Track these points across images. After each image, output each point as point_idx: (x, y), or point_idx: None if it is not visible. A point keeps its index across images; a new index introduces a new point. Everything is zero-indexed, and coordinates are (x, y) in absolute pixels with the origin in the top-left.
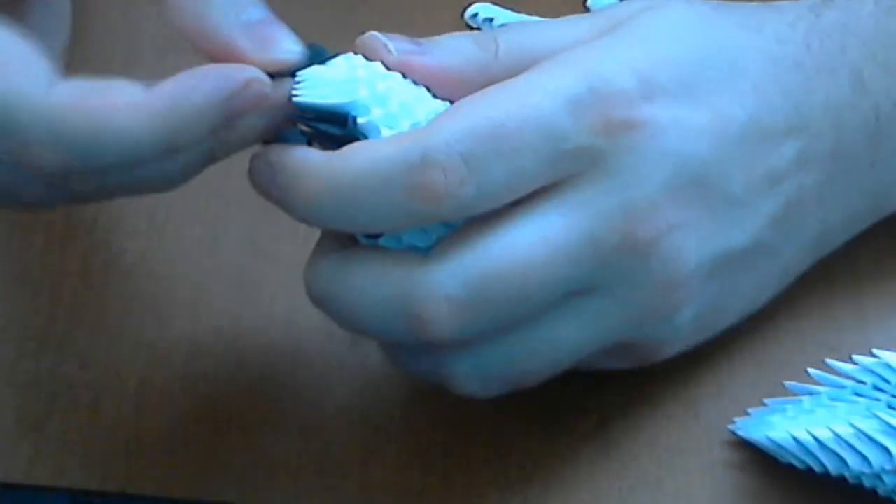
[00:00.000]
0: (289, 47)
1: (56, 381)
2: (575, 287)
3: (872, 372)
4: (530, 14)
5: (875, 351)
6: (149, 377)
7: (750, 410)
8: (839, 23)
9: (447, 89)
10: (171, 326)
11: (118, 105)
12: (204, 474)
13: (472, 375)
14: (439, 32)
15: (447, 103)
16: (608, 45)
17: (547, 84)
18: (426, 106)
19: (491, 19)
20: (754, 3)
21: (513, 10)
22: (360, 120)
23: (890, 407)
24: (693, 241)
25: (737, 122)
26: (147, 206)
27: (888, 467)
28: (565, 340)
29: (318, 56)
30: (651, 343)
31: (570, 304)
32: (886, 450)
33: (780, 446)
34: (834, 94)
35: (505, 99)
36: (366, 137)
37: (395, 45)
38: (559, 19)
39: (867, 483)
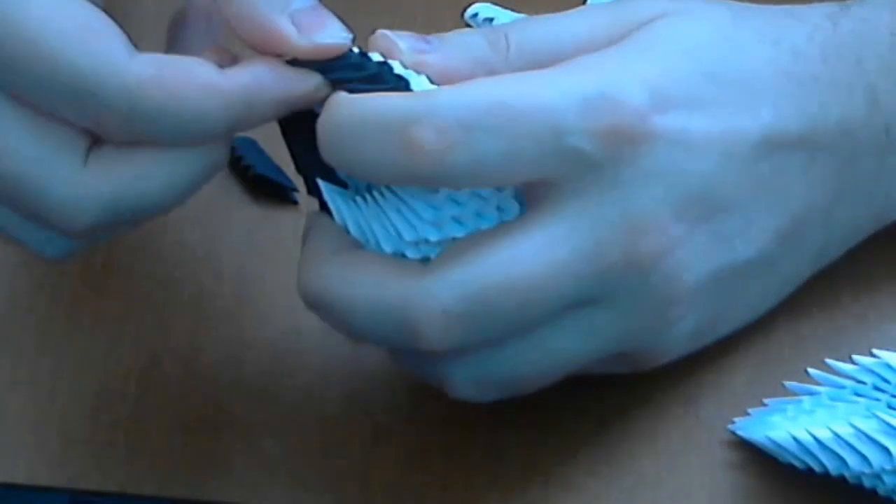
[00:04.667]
0: (337, 33)
1: (56, 380)
2: (574, 300)
3: (872, 372)
4: (530, 14)
5: (875, 351)
6: (149, 377)
7: (750, 410)
8: (856, 33)
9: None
10: (172, 326)
11: (195, 83)
12: (204, 474)
13: (468, 381)
14: (439, 32)
15: None
16: (625, 54)
17: (561, 81)
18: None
19: (491, 19)
20: (774, 8)
21: (513, 10)
22: None
23: (890, 407)
24: (695, 257)
25: (748, 137)
26: None
27: (888, 467)
28: (563, 351)
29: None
30: (649, 352)
31: (568, 315)
32: (886, 450)
33: (780, 446)
34: (848, 111)
35: (517, 84)
36: None
37: (405, 43)
38: (574, 13)
39: (867, 483)
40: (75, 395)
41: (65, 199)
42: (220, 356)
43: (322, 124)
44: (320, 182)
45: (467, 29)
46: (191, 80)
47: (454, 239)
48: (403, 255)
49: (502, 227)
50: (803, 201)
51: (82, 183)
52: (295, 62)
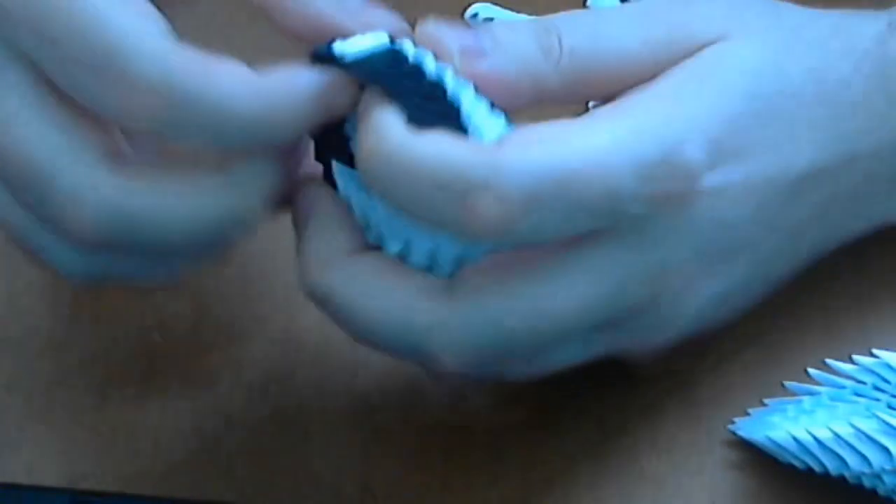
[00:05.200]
0: (391, 19)
1: (56, 380)
2: (589, 328)
3: (872, 372)
4: (530, 14)
5: (875, 351)
6: (149, 377)
7: (750, 410)
8: None
9: (496, 95)
10: (172, 326)
11: (229, 74)
12: (204, 474)
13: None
14: None
15: (502, 117)
16: (684, 97)
17: (623, 143)
18: (480, 108)
19: (491, 19)
20: (826, 30)
21: (513, 10)
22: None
23: (890, 407)
24: (706, 290)
25: (784, 182)
26: None
27: (888, 467)
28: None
29: None
30: (643, 343)
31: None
32: (886, 450)
33: (780, 446)
34: (886, 139)
35: (581, 147)
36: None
37: (456, 43)
38: (627, 16)
39: (867, 483)
40: (75, 394)
41: (74, 194)
42: (220, 356)
43: (371, 154)
44: (337, 166)
45: (517, 21)
46: (224, 68)
47: (464, 258)
48: (406, 257)
49: (527, 263)
50: (816, 228)
51: (95, 182)
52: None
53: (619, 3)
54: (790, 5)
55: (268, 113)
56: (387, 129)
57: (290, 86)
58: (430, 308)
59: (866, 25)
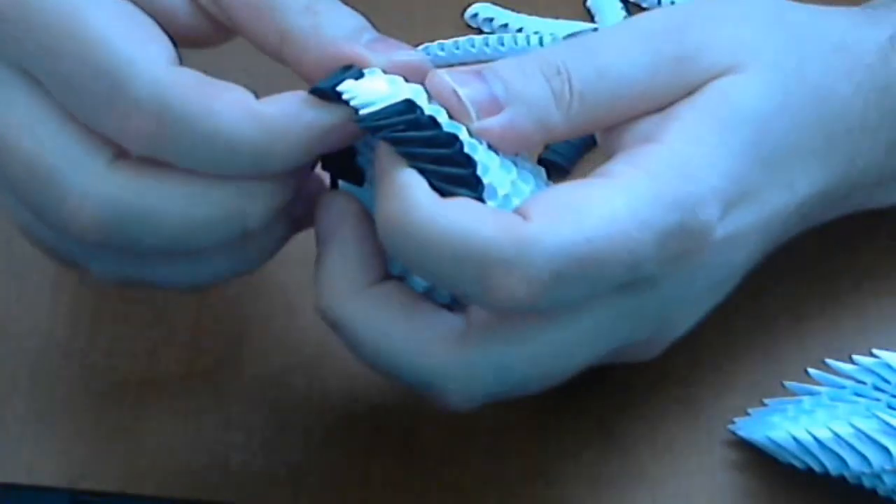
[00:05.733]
0: (415, 55)
1: (56, 380)
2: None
3: (872, 372)
4: (530, 14)
5: (875, 351)
6: (149, 377)
7: (750, 410)
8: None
9: (507, 145)
10: (172, 326)
11: (230, 102)
12: (204, 474)
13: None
14: (439, 32)
15: (513, 166)
16: (693, 153)
17: (644, 215)
18: (494, 160)
19: (491, 19)
20: (829, 46)
21: (513, 10)
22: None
23: (890, 407)
24: (706, 307)
25: (784, 215)
26: None
27: (888, 467)
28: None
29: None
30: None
31: None
32: (886, 450)
33: (780, 446)
34: (870, 159)
35: (603, 220)
36: (474, 175)
37: (470, 99)
38: (634, 43)
39: (867, 483)
40: (75, 394)
41: (79, 188)
42: (220, 356)
43: (394, 223)
44: (343, 185)
45: (528, 61)
46: (227, 95)
47: None
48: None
49: (543, 314)
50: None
51: (100, 178)
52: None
53: (621, 5)
54: (798, 8)
55: (267, 144)
56: (411, 197)
57: (293, 119)
58: (444, 353)
59: (868, 38)
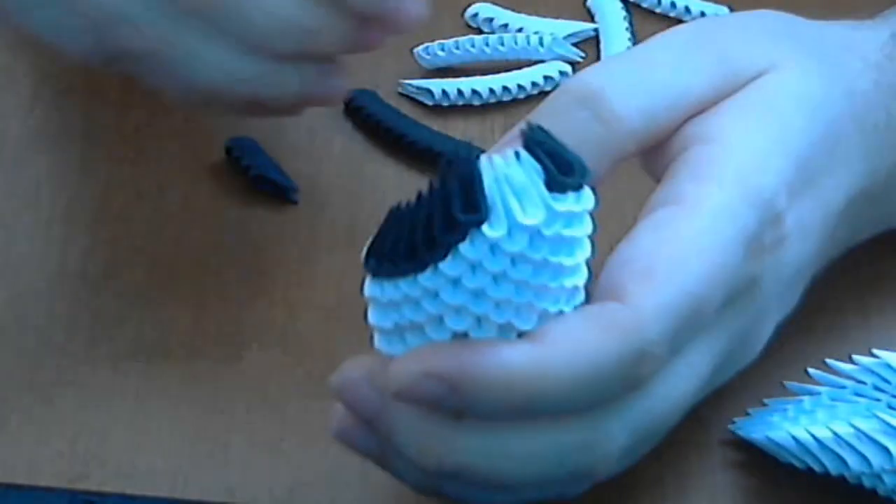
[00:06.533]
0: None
1: (56, 380)
2: None
3: (872, 372)
4: (530, 14)
5: (875, 351)
6: (149, 377)
7: (750, 410)
8: None
9: None
10: (172, 326)
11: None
12: (204, 474)
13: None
14: (439, 32)
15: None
16: (753, 135)
17: (726, 227)
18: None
19: (491, 19)
20: (838, 44)
21: (513, 10)
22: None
23: (890, 407)
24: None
25: (837, 208)
26: (147, 207)
27: (888, 467)
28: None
29: None
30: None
31: None
32: (886, 450)
33: (780, 446)
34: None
35: (697, 260)
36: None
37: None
38: (672, 57)
39: (867, 483)
40: (75, 394)
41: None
42: (220, 356)
43: (532, 398)
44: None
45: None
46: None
47: None
48: None
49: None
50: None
51: None
52: None
53: (621, 5)
54: (799, 20)
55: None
56: (507, 371)
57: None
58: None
59: (870, 38)
